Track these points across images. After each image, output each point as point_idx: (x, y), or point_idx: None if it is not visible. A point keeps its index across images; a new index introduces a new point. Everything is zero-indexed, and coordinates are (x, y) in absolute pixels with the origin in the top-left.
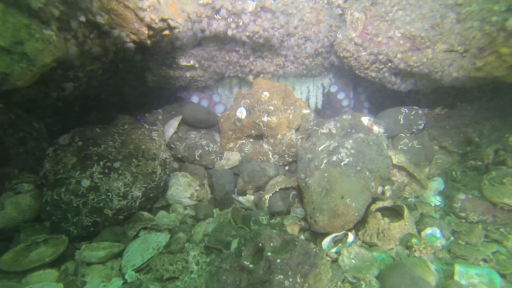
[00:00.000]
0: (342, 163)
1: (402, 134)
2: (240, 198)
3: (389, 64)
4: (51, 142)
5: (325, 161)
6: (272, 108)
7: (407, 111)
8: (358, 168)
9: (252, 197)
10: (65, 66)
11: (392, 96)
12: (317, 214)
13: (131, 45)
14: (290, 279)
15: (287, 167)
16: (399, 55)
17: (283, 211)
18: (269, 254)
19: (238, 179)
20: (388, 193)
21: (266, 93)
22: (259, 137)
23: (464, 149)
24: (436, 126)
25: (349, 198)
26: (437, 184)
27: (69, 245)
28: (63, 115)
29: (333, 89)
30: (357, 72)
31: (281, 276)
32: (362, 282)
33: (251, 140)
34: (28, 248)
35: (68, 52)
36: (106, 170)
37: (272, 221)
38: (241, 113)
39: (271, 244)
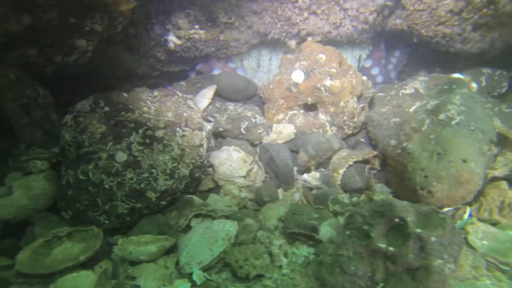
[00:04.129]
0: (453, 122)
1: (483, 98)
2: (305, 176)
3: (485, 10)
4: (64, 111)
5: (427, 121)
6: (334, 70)
7: (490, 71)
8: (472, 128)
9: (318, 174)
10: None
11: (427, 67)
12: (434, 183)
13: None
14: (448, 265)
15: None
16: None
17: (361, 187)
18: (419, 230)
19: (300, 154)
20: None
21: (322, 55)
22: (312, 107)
23: None
24: None
25: (473, 162)
26: None
27: None
28: (62, 89)
29: (367, 63)
30: (422, 31)
31: (440, 261)
32: None
33: (302, 111)
34: (48, 244)
35: None
36: (147, 140)
37: (354, 199)
38: (298, 76)
39: (409, 218)
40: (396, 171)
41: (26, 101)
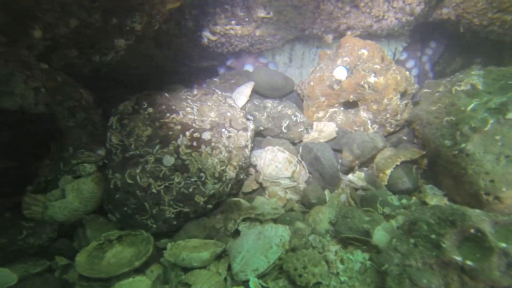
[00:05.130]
0: None
1: None
2: (351, 176)
3: None
4: (105, 114)
5: (491, 121)
6: (378, 66)
7: None
8: None
9: (362, 174)
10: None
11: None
12: (503, 189)
13: None
14: None
15: None
16: None
17: (410, 188)
18: (504, 245)
19: (344, 153)
20: None
21: (364, 51)
22: (352, 104)
23: None
24: None
25: None
26: None
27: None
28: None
29: (402, 56)
30: (475, 20)
31: None
32: None
33: (342, 108)
34: (101, 247)
35: None
36: (195, 143)
37: (404, 201)
38: (341, 73)
39: (487, 230)
40: (451, 173)
41: (72, 104)
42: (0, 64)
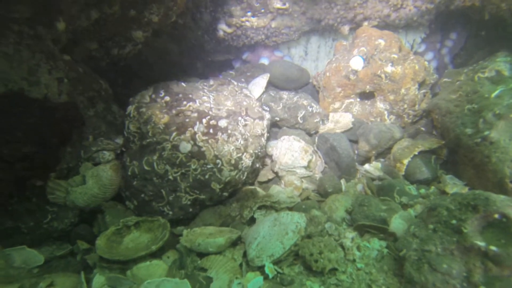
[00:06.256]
0: None
1: None
2: (367, 166)
3: None
4: (122, 106)
5: None
6: (395, 56)
7: None
8: None
9: (379, 164)
10: None
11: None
12: None
13: None
14: None
15: None
16: None
17: (428, 178)
18: None
19: (360, 144)
20: None
21: (381, 41)
22: (368, 95)
23: None
24: None
25: None
26: None
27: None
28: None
29: (421, 48)
30: (502, 5)
31: None
32: None
33: (358, 99)
34: (119, 232)
35: None
36: (211, 130)
37: (422, 190)
38: (357, 63)
39: None
40: (473, 162)
41: (92, 94)
42: (29, 55)
